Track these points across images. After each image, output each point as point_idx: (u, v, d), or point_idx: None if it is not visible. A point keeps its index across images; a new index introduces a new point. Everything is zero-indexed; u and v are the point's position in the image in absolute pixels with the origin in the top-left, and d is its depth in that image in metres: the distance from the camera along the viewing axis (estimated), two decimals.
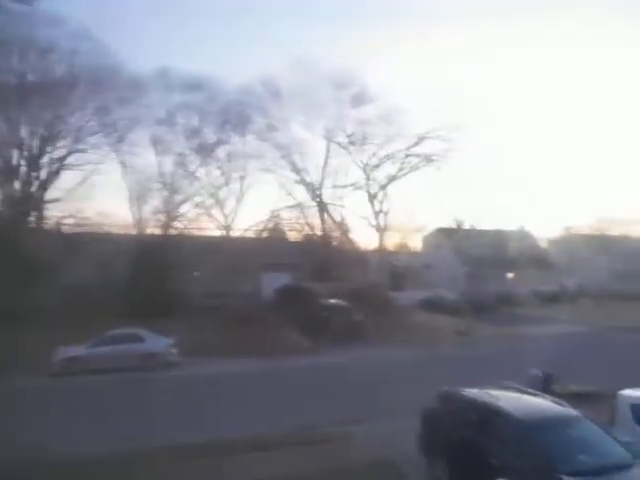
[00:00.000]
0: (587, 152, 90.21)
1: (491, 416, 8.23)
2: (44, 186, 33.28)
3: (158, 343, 18.65)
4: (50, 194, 33.46)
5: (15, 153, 32.10)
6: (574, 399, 10.52)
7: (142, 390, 15.29)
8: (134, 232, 37.70)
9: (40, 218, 32.77)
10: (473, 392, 9.06)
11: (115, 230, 35.41)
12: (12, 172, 31.79)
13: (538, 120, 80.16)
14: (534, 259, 43.82)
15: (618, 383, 10.34)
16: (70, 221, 32.48)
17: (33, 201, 32.36)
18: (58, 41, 31.89)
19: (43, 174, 33.21)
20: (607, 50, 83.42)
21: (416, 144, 40.54)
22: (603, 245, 46.91)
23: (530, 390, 9.53)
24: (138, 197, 37.85)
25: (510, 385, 9.43)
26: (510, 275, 43.77)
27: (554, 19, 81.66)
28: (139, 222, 38.01)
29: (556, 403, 8.65)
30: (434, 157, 40.94)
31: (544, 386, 12.15)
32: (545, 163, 76.58)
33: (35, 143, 32.81)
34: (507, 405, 8.28)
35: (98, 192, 35.37)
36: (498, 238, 43.09)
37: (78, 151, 34.57)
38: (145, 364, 17.73)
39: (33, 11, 27.11)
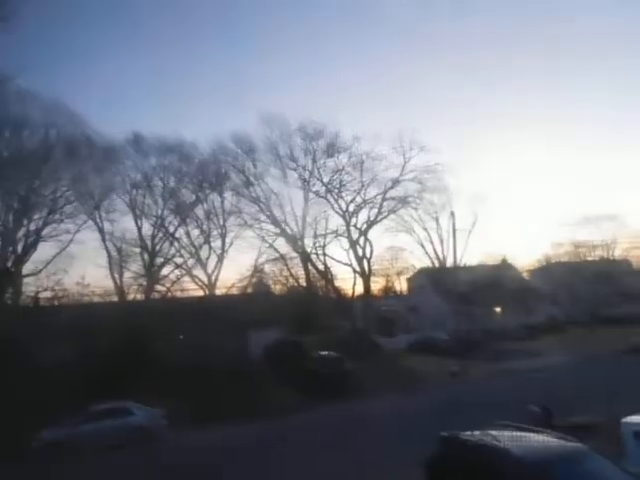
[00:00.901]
0: (557, 181, 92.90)
1: (495, 458, 7.93)
2: (20, 260, 32.75)
3: (147, 415, 17.64)
4: (27, 268, 32.95)
5: None
6: (577, 431, 10.27)
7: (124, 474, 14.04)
8: (116, 299, 37.07)
9: (17, 293, 31.98)
10: (474, 435, 8.77)
11: (96, 299, 34.79)
12: None
13: (508, 153, 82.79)
14: (519, 291, 44.04)
15: (618, 410, 10.16)
16: (48, 294, 31.80)
17: (9, 277, 31.68)
18: (31, 115, 32.39)
19: (19, 248, 32.80)
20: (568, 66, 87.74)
21: (391, 187, 41.37)
22: (584, 271, 47.52)
23: (531, 427, 9.28)
24: (118, 263, 37.53)
25: (511, 424, 9.18)
26: (497, 309, 43.79)
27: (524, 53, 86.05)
28: (120, 288, 37.48)
29: (560, 438, 8.41)
30: (410, 199, 41.76)
31: (545, 421, 11.87)
32: (519, 193, 78.46)
33: (10, 217, 32.57)
34: (510, 445, 8.00)
35: (77, 261, 34.92)
36: (482, 273, 43.39)
37: (54, 222, 34.46)
38: (134, 439, 16.62)
39: (7, 88, 27.50)
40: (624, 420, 9.50)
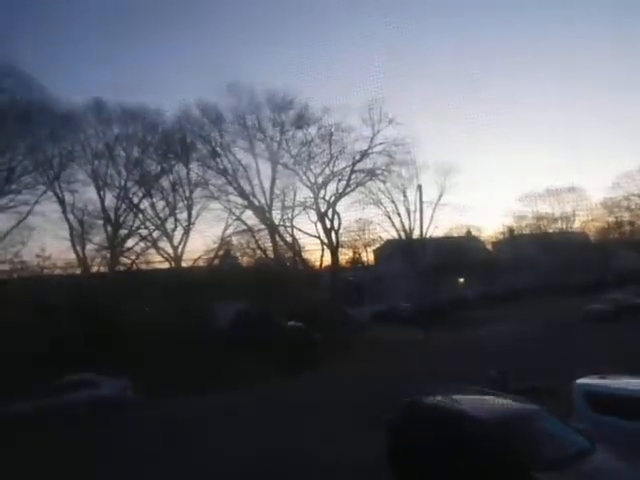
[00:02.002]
0: (523, 154, 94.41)
1: (455, 420, 8.29)
2: None
3: (113, 387, 17.65)
4: None
5: None
6: (532, 394, 10.79)
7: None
8: (78, 272, 36.23)
9: None
10: (435, 399, 9.12)
11: (57, 271, 33.88)
12: None
13: (475, 126, 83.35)
14: (482, 262, 45.28)
15: (572, 373, 10.67)
16: (5, 267, 30.84)
17: None
18: None
19: None
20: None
21: (360, 160, 41.35)
22: (544, 242, 49.10)
23: (490, 390, 9.70)
24: (80, 235, 36.57)
25: (470, 387, 9.57)
26: (461, 280, 44.96)
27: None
28: (83, 261, 36.62)
29: (516, 400, 8.83)
30: (378, 171, 41.89)
31: (502, 385, 12.41)
32: (485, 167, 79.40)
33: None
34: (469, 408, 8.38)
35: (36, 233, 33.76)
36: (447, 245, 44.30)
37: (11, 192, 33.09)
38: (100, 411, 16.54)
39: None
40: (576, 382, 10.02)
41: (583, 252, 48.08)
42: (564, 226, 55.49)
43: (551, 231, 55.12)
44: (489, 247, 56.10)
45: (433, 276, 38.91)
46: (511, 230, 56.39)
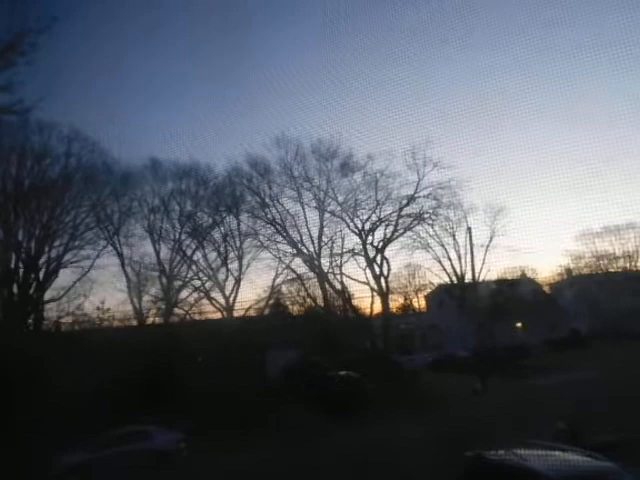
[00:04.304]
0: (576, 191, 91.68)
1: (522, 478, 7.74)
2: (42, 286, 33.29)
3: (167, 439, 17.71)
4: (49, 294, 33.47)
5: (12, 257, 32.39)
6: (606, 449, 9.95)
7: None
8: (135, 323, 37.31)
9: (39, 319, 32.49)
10: (500, 454, 8.57)
11: (116, 323, 35.08)
12: (10, 276, 31.88)
13: (524, 166, 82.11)
14: (540, 305, 43.34)
15: None
16: (69, 319, 32.24)
17: (32, 303, 32.24)
18: (52, 145, 33.35)
19: (41, 275, 33.38)
20: None
21: (406, 205, 41.27)
22: (607, 283, 46.54)
23: (559, 445, 9.03)
24: (137, 287, 37.88)
25: (538, 442, 8.94)
26: (518, 325, 43.07)
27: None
28: (139, 312, 37.74)
29: (589, 457, 8.17)
30: (425, 215, 41.57)
31: (572, 439, 11.55)
32: (537, 206, 77.36)
33: (32, 245, 33.23)
34: (538, 464, 7.81)
35: (97, 286, 35.42)
36: (501, 288, 42.76)
37: (75, 248, 35.04)
38: (152, 463, 16.60)
39: (27, 119, 28.28)
40: None
41: None
42: (628, 265, 52.51)
43: (613, 271, 52.29)
44: (546, 289, 53.69)
45: (489, 321, 37.48)
46: (569, 271, 53.92)
